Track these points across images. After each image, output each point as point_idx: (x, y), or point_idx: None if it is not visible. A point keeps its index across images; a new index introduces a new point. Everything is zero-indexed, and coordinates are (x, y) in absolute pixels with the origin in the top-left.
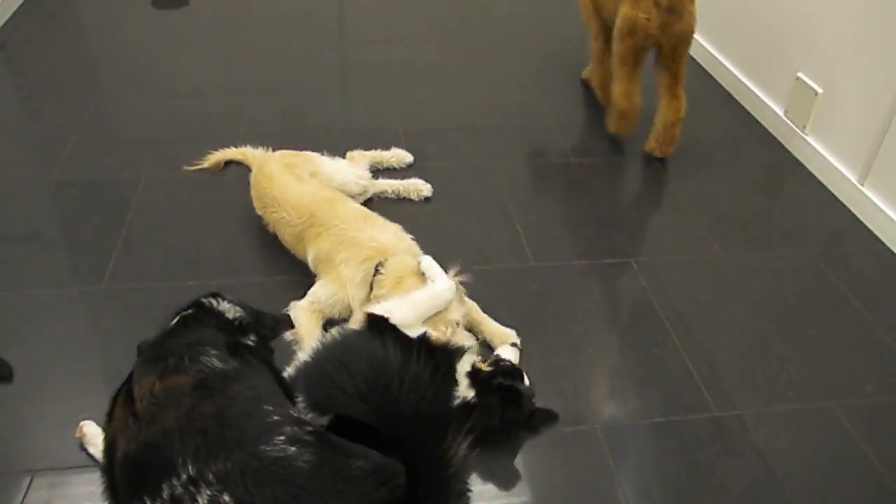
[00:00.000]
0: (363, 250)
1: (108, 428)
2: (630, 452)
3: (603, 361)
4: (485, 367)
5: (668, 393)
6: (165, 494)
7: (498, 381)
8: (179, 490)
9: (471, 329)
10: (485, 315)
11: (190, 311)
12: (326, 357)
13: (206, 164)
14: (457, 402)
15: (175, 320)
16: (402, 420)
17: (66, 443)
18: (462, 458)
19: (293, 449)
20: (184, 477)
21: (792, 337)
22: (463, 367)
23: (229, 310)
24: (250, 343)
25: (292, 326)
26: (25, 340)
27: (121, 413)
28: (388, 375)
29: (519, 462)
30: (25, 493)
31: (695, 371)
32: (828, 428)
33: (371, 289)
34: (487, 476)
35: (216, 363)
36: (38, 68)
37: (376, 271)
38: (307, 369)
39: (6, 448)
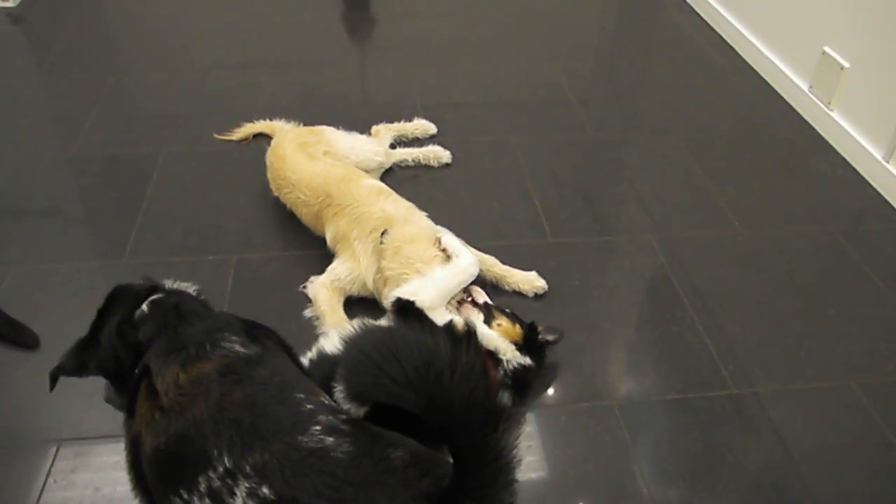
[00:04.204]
0: (371, 222)
1: (129, 425)
2: (647, 428)
3: (620, 338)
4: (516, 331)
5: (686, 370)
6: (203, 488)
7: (542, 338)
8: (217, 483)
9: (496, 283)
10: (505, 266)
11: (159, 294)
12: (373, 345)
13: (235, 137)
14: (515, 367)
15: (146, 308)
16: (453, 410)
17: (91, 413)
18: (512, 450)
19: (331, 439)
20: (220, 469)
21: (812, 315)
22: (490, 341)
23: (185, 286)
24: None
25: None
26: (48, 313)
27: (145, 408)
28: (438, 365)
29: (536, 436)
30: (52, 462)
31: (713, 348)
32: (847, 406)
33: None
34: None
35: (238, 348)
36: (57, 43)
37: (382, 239)
38: (349, 358)
39: (33, 418)
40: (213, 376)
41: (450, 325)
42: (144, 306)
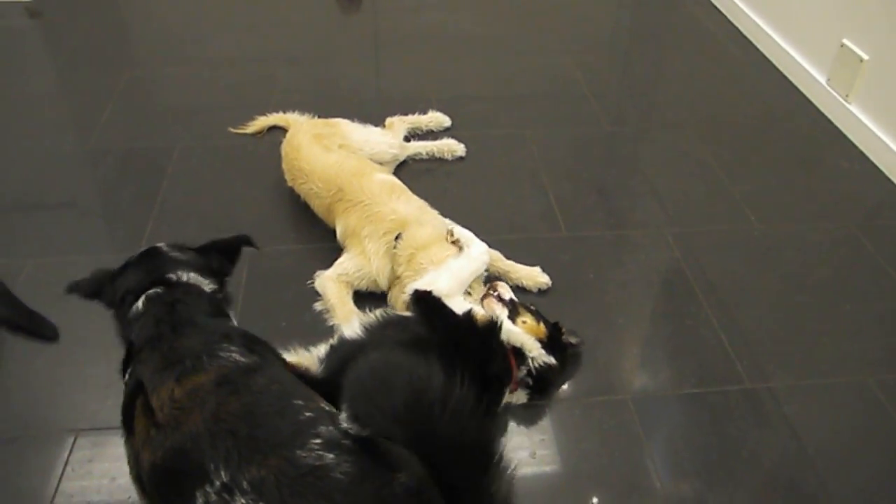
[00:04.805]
0: (384, 224)
1: (130, 443)
2: (660, 423)
3: (635, 332)
4: (540, 329)
5: (700, 364)
6: (200, 502)
7: (566, 340)
8: (214, 498)
9: (500, 278)
10: (510, 261)
11: (158, 289)
12: (368, 371)
13: (250, 130)
14: (540, 366)
15: (141, 304)
16: (442, 449)
17: (107, 404)
18: (506, 491)
19: (331, 456)
20: (217, 484)
21: (828, 310)
22: (517, 338)
23: (200, 281)
24: (263, 340)
25: (249, 243)
26: (66, 306)
27: (142, 426)
28: (429, 399)
29: (549, 430)
30: (70, 452)
31: (727, 343)
32: (862, 402)
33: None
34: (518, 444)
35: (237, 357)
36: (74, 37)
37: (396, 244)
38: (351, 378)
39: (50, 409)
40: (208, 387)
41: (469, 315)
42: (140, 302)
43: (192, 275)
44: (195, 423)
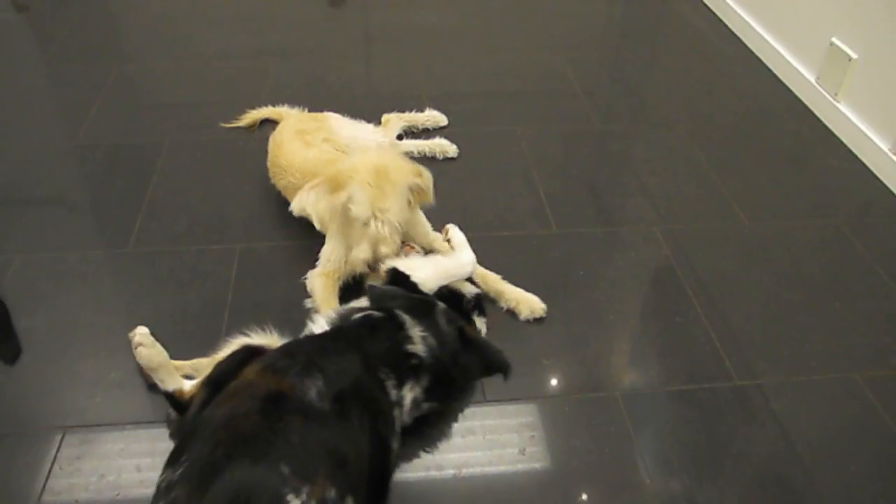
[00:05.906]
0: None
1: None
2: (650, 419)
3: (624, 329)
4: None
5: (690, 361)
6: (161, 481)
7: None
8: (164, 486)
9: (496, 300)
10: (506, 283)
11: (381, 315)
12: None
13: (242, 123)
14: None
15: (359, 316)
16: None
17: (95, 401)
18: None
19: None
20: (165, 480)
21: (817, 307)
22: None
23: (418, 341)
24: (380, 400)
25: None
26: (54, 302)
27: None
28: None
29: (539, 427)
30: (58, 449)
31: (717, 340)
32: (850, 399)
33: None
34: (507, 441)
35: (311, 393)
36: (62, 31)
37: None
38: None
39: (38, 406)
40: (259, 392)
41: (441, 308)
42: (360, 314)
43: (416, 331)
44: (220, 413)
